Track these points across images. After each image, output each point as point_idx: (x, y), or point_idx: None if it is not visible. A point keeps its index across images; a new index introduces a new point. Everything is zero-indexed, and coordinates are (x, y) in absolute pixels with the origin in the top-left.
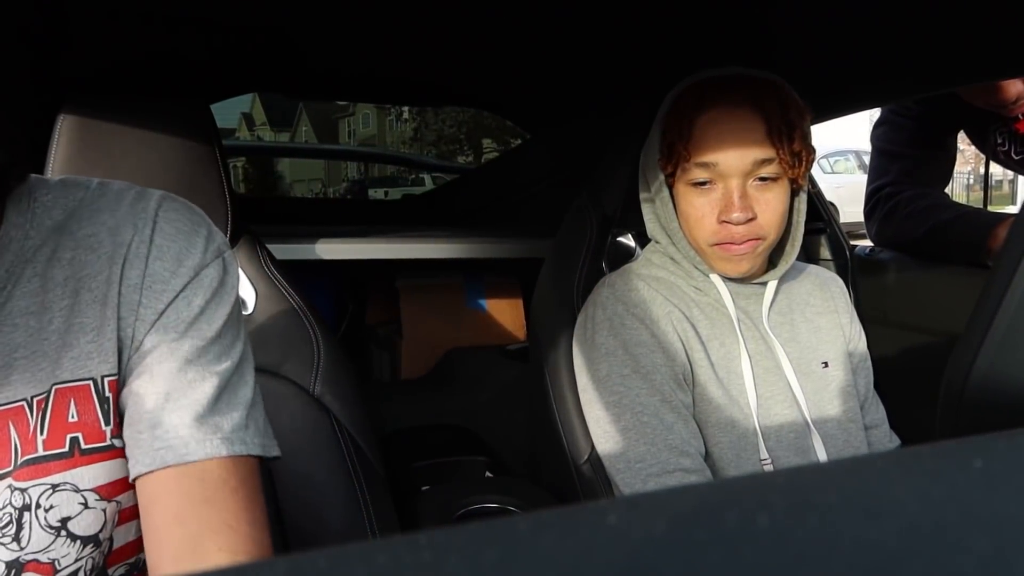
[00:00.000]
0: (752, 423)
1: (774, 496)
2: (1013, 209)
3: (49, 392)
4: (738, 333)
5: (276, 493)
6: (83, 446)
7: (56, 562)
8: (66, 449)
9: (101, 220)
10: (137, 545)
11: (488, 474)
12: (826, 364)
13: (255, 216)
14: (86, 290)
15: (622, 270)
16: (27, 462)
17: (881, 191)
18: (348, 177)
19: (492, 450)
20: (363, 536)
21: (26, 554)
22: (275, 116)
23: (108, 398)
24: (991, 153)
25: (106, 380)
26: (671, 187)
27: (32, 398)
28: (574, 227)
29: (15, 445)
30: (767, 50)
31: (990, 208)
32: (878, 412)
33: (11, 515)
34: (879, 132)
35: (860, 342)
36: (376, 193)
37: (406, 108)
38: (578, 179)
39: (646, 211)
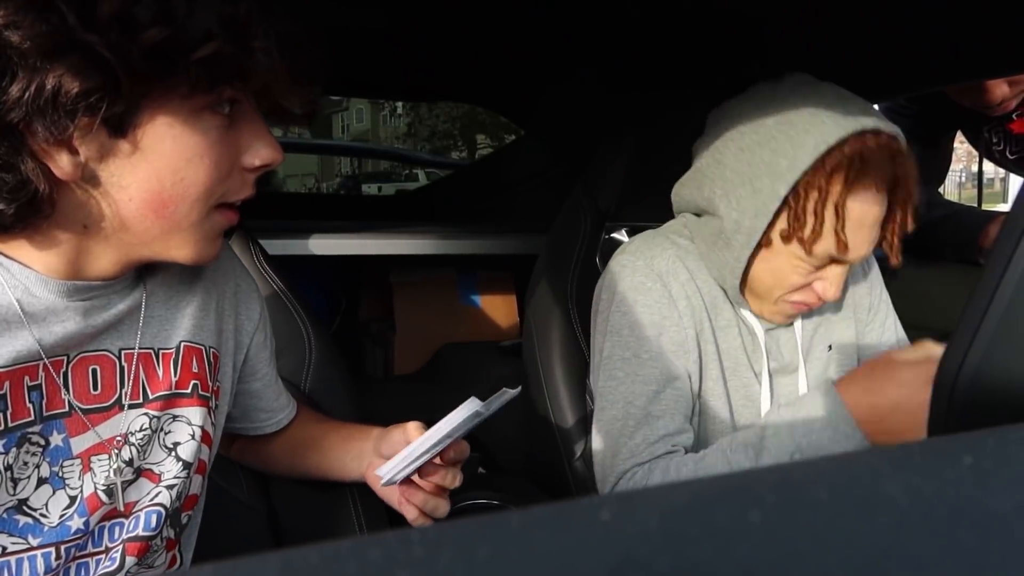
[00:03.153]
0: (759, 413)
1: (766, 492)
2: (1004, 207)
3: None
4: (759, 334)
5: (269, 489)
6: (200, 392)
7: (162, 474)
8: (188, 391)
9: None
10: (194, 501)
11: (481, 470)
12: (830, 347)
13: (247, 211)
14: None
15: (649, 234)
16: (159, 397)
17: None
18: (341, 172)
19: (485, 446)
20: (353, 532)
21: (145, 463)
22: None
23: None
24: (986, 152)
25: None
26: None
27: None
28: (569, 222)
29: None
30: (757, 47)
31: (982, 206)
32: None
33: (148, 435)
34: None
35: (880, 308)
36: (369, 188)
37: (400, 103)
38: (573, 175)
39: (688, 191)
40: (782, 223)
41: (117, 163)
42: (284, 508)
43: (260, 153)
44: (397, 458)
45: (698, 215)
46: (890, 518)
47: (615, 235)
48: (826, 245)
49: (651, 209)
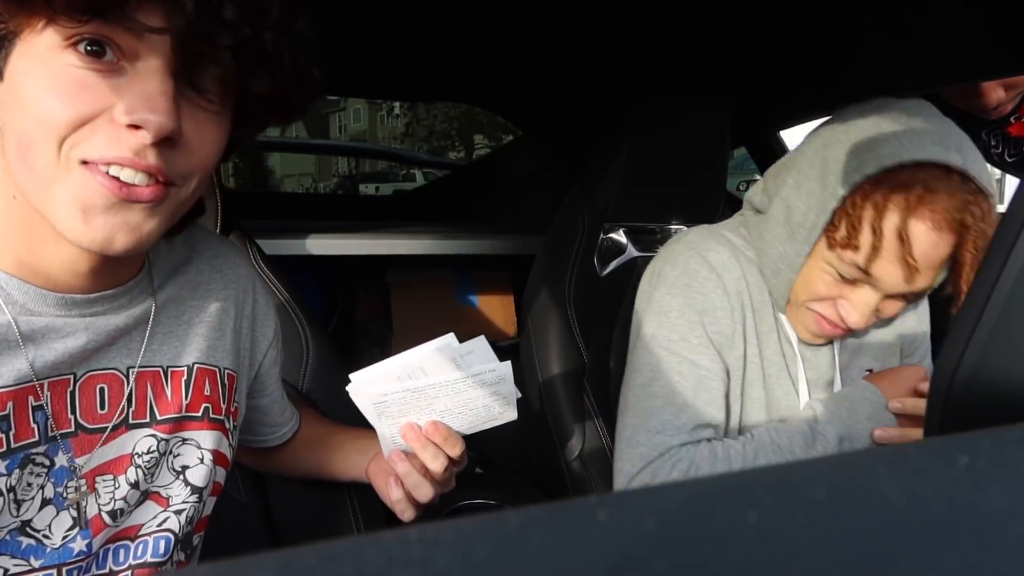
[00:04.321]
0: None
1: (762, 493)
2: (1001, 208)
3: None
4: (794, 346)
5: (265, 489)
6: (211, 415)
7: (170, 498)
8: (199, 414)
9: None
10: (206, 522)
11: (478, 470)
12: (870, 371)
13: (245, 211)
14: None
15: (705, 229)
16: (168, 419)
17: None
18: (339, 172)
19: (482, 446)
20: (350, 531)
21: (153, 486)
22: None
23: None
24: (985, 155)
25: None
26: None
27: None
28: (566, 222)
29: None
30: (750, 49)
31: None
32: None
33: (155, 457)
34: None
35: (922, 347)
36: (367, 188)
37: (397, 103)
38: (570, 175)
39: (778, 206)
40: (842, 230)
41: (4, 110)
42: (280, 507)
43: (132, 108)
44: (372, 368)
45: (760, 213)
46: (886, 519)
47: (613, 235)
48: (856, 257)
49: (648, 209)
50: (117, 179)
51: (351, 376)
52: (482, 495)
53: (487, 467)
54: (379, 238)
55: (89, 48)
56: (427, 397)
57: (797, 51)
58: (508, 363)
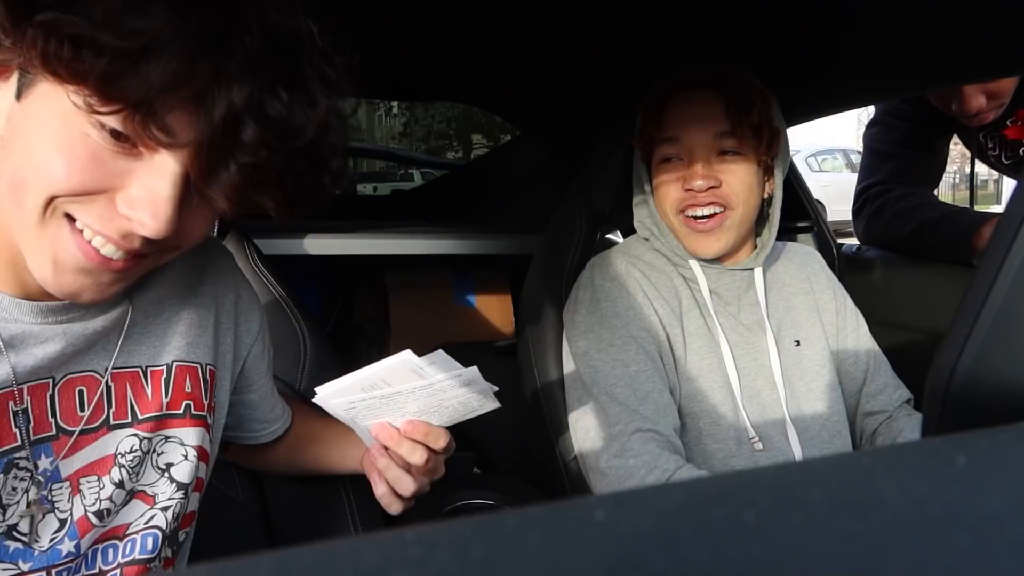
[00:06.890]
0: (734, 398)
1: (760, 492)
2: (998, 208)
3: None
4: (713, 314)
5: (263, 489)
6: (193, 412)
7: (156, 496)
8: (180, 411)
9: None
10: (191, 518)
11: (476, 470)
12: (798, 343)
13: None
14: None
15: (604, 251)
16: (149, 418)
17: (870, 190)
18: None
19: (480, 446)
20: (347, 531)
21: (138, 485)
22: None
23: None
24: (982, 156)
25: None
26: (651, 176)
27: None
28: (563, 223)
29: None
30: (749, 50)
31: (976, 208)
32: (880, 376)
33: (139, 456)
34: (872, 132)
35: (848, 315)
36: (365, 188)
37: (395, 103)
38: (568, 175)
39: (638, 207)
40: (645, 136)
41: (10, 130)
42: (278, 507)
43: (135, 204)
44: (336, 381)
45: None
46: (884, 519)
47: (610, 236)
48: (657, 134)
49: None
50: (96, 249)
51: (316, 389)
52: (480, 496)
53: (485, 467)
54: (377, 238)
55: (112, 131)
56: (397, 402)
57: (795, 52)
58: (474, 367)
